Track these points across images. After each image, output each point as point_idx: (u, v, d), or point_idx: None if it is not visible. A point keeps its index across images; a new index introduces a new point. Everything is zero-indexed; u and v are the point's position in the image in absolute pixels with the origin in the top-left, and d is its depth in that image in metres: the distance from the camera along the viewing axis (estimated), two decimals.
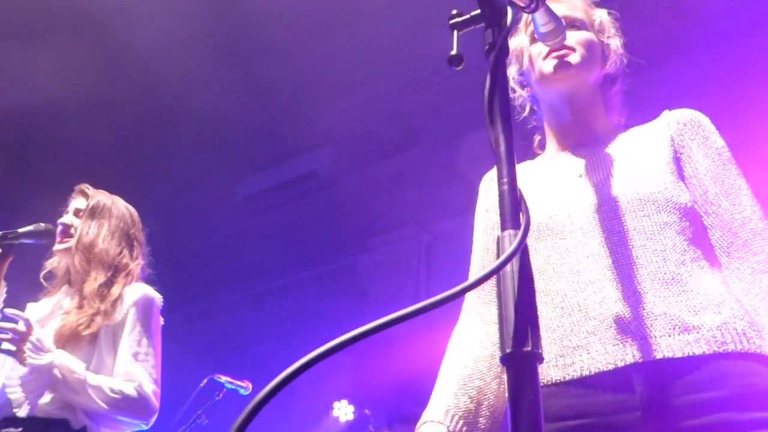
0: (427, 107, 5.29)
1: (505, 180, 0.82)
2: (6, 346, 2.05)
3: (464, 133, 4.88)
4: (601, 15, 1.57)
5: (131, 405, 2.10)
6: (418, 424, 1.37)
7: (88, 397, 2.04)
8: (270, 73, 4.97)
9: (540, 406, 0.67)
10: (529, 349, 0.70)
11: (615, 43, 1.55)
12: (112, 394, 2.07)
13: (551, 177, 1.47)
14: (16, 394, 2.09)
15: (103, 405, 2.05)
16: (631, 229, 1.29)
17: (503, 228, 0.80)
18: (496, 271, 0.72)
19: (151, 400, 2.14)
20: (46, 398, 2.08)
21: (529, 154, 1.64)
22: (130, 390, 2.10)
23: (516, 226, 0.78)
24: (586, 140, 1.50)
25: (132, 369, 2.14)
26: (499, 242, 0.78)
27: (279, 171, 5.73)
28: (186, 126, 5.31)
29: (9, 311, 2.12)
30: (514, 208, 0.80)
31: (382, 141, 5.64)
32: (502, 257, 0.73)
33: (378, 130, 5.58)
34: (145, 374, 2.15)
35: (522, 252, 0.76)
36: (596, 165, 1.43)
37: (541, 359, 0.71)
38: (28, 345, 2.03)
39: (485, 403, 1.37)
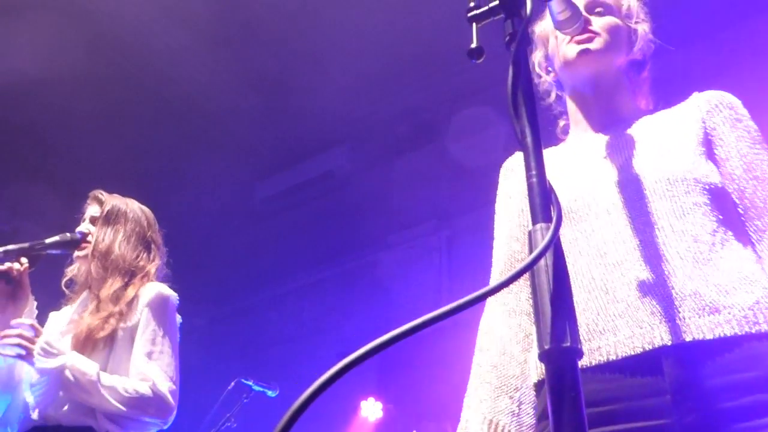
0: (442, 102, 5.26)
1: (534, 172, 0.80)
2: (15, 350, 2.08)
3: (480, 126, 4.85)
4: (630, 1, 1.55)
5: (147, 404, 2.08)
6: None
7: (102, 398, 2.04)
8: (284, 73, 4.97)
9: (582, 403, 0.66)
10: (568, 344, 0.69)
11: (642, 28, 1.53)
12: (127, 394, 2.06)
13: (575, 160, 1.45)
14: (34, 399, 2.12)
15: (119, 406, 2.05)
16: (659, 209, 1.26)
17: (534, 221, 0.78)
18: (530, 266, 0.71)
19: (166, 398, 2.12)
20: (70, 406, 2.08)
21: (554, 140, 1.62)
22: (144, 389, 2.09)
23: (547, 219, 0.77)
24: (610, 123, 1.48)
25: (146, 368, 2.13)
26: (530, 236, 0.77)
27: (297, 171, 5.74)
28: (203, 130, 5.33)
29: (15, 321, 2.16)
30: (544, 201, 0.78)
31: (398, 137, 5.62)
32: (536, 252, 0.71)
33: (393, 126, 5.56)
34: (159, 372, 2.14)
35: (555, 245, 0.74)
36: (621, 146, 1.40)
37: (580, 354, 0.70)
38: (37, 349, 2.05)
39: (526, 400, 1.34)
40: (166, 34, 4.61)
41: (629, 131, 1.43)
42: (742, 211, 1.32)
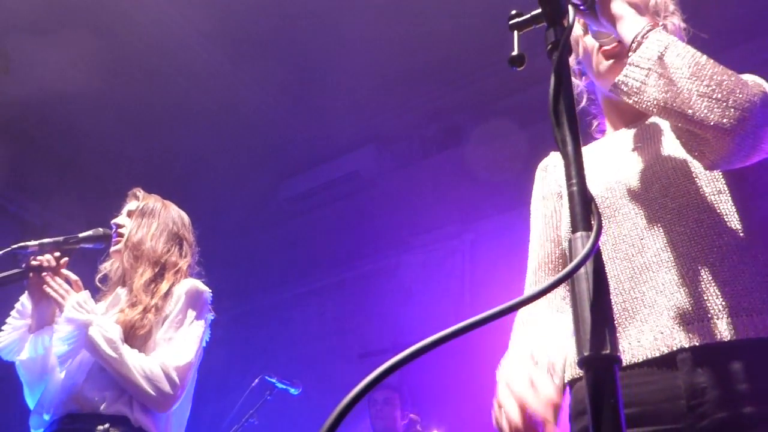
0: (468, 105, 5.26)
1: (574, 181, 0.81)
2: (53, 293, 2.18)
3: (506, 130, 4.85)
4: None
5: (151, 383, 2.10)
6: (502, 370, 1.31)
7: (124, 364, 2.08)
8: (310, 74, 5.00)
9: (622, 410, 0.67)
10: (608, 351, 0.69)
11: (673, 21, 1.51)
12: (141, 368, 2.10)
13: (605, 158, 1.46)
14: (75, 389, 2.15)
15: (138, 377, 2.08)
16: (684, 204, 1.26)
17: (574, 230, 0.79)
18: (570, 274, 0.72)
19: (172, 380, 2.13)
20: (111, 393, 2.12)
21: (587, 142, 1.63)
22: (156, 369, 2.12)
23: (588, 227, 0.77)
24: (643, 117, 1.47)
25: (161, 352, 2.18)
26: (570, 244, 0.78)
27: (321, 172, 5.76)
28: (229, 129, 5.38)
29: (65, 272, 2.29)
30: (584, 210, 0.79)
31: (423, 140, 5.63)
32: (576, 260, 0.72)
33: (420, 129, 5.57)
34: (172, 357, 2.17)
35: (596, 254, 0.75)
36: (648, 140, 1.40)
37: (620, 362, 0.71)
38: (72, 301, 2.16)
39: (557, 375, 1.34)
40: (193, 36, 4.66)
41: (659, 123, 1.42)
42: None
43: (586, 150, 1.54)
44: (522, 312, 1.46)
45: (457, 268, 5.33)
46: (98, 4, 4.35)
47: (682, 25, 1.53)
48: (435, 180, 5.47)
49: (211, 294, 2.38)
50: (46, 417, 2.18)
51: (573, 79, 1.61)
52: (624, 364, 1.22)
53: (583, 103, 1.64)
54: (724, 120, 1.12)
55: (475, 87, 5.09)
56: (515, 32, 0.98)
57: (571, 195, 0.81)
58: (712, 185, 1.26)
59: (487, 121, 5.10)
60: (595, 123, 1.66)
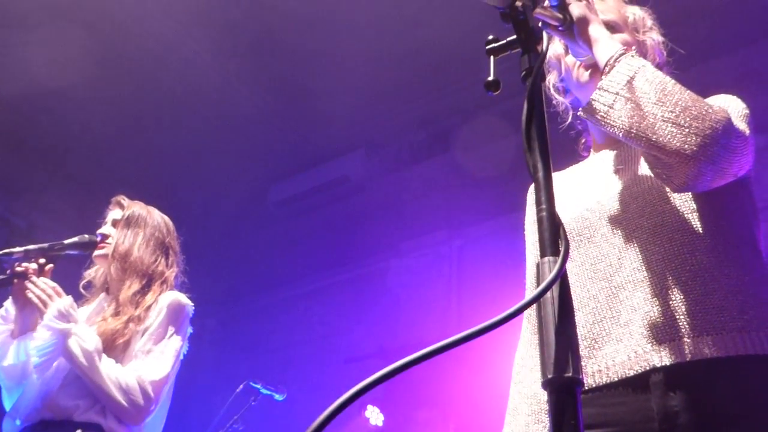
0: (457, 111, 5.29)
1: (544, 207, 0.83)
2: (35, 299, 2.18)
3: (495, 136, 4.87)
4: (635, 12, 1.57)
5: (128, 395, 2.11)
6: None
7: (98, 374, 2.08)
8: (301, 78, 5.01)
9: (582, 431, 0.69)
10: (570, 374, 0.72)
11: (651, 37, 1.54)
12: (117, 380, 2.10)
13: (586, 178, 1.49)
14: (50, 396, 2.15)
15: (112, 388, 2.08)
16: (659, 224, 1.29)
17: (542, 254, 0.81)
18: (536, 298, 0.74)
19: (147, 393, 2.13)
20: (85, 401, 2.12)
21: (576, 159, 1.66)
22: (132, 381, 2.12)
23: (555, 252, 0.80)
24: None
25: (139, 364, 2.18)
26: (538, 269, 0.80)
27: (311, 176, 5.77)
28: (219, 132, 5.38)
29: (44, 280, 2.26)
30: (552, 235, 0.81)
31: (413, 145, 5.65)
32: (543, 285, 0.74)
33: (409, 134, 5.60)
34: (149, 370, 2.17)
35: (562, 278, 0.77)
36: (630, 160, 1.42)
37: (582, 384, 0.73)
38: (53, 309, 2.15)
39: None
40: (184, 40, 4.67)
41: None
42: (752, 211, 1.33)
43: (569, 171, 1.57)
44: (516, 359, 1.50)
45: (445, 273, 5.34)
46: (87, 4, 4.34)
47: (660, 39, 1.56)
48: (424, 185, 5.49)
49: (193, 308, 2.38)
50: (18, 423, 2.17)
51: (557, 96, 1.64)
52: (600, 383, 1.24)
53: (569, 120, 1.66)
54: (686, 146, 1.15)
55: (464, 93, 5.12)
56: (491, 57, 1.01)
57: (540, 220, 0.84)
58: (686, 205, 1.29)
59: (476, 128, 5.13)
60: (582, 140, 1.68)
